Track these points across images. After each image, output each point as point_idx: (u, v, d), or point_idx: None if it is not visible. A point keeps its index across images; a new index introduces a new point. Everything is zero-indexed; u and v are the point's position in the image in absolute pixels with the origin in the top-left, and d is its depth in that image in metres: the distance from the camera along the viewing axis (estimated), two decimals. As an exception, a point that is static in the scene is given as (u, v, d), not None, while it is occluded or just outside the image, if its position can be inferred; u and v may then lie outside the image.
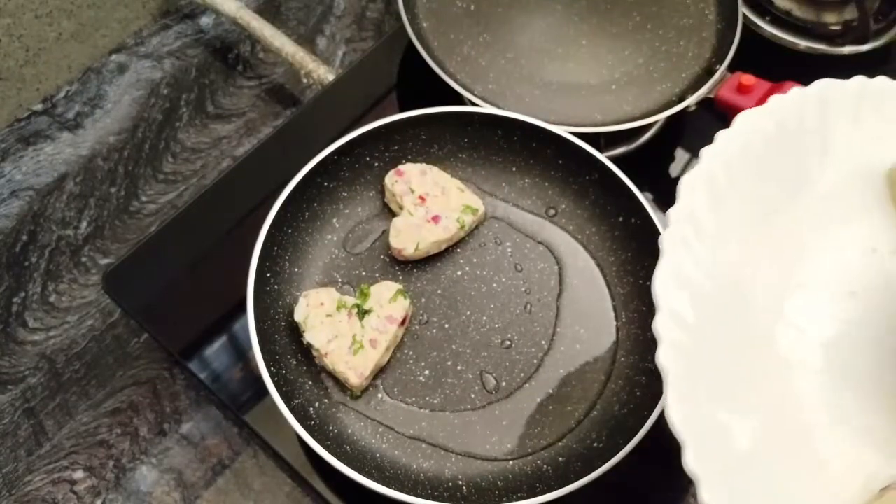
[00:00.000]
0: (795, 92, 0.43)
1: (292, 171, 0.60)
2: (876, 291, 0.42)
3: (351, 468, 0.51)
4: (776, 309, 0.41)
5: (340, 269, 0.62)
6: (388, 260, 0.63)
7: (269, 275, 0.58)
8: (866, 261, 0.43)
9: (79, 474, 0.59)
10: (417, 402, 0.58)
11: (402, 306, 0.58)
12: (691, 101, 0.67)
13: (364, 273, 0.62)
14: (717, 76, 0.67)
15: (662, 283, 0.38)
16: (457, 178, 0.64)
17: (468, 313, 0.61)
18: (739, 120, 0.42)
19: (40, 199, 0.70)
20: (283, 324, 0.58)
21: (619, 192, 0.62)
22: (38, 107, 0.75)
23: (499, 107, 0.66)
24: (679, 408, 0.35)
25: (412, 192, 0.62)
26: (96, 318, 0.65)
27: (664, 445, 0.57)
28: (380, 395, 0.58)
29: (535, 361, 0.60)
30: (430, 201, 0.62)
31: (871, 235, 0.43)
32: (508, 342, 0.60)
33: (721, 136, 0.42)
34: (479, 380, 0.59)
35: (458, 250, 0.64)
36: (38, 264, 0.67)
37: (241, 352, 0.61)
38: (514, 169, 0.66)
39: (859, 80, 0.45)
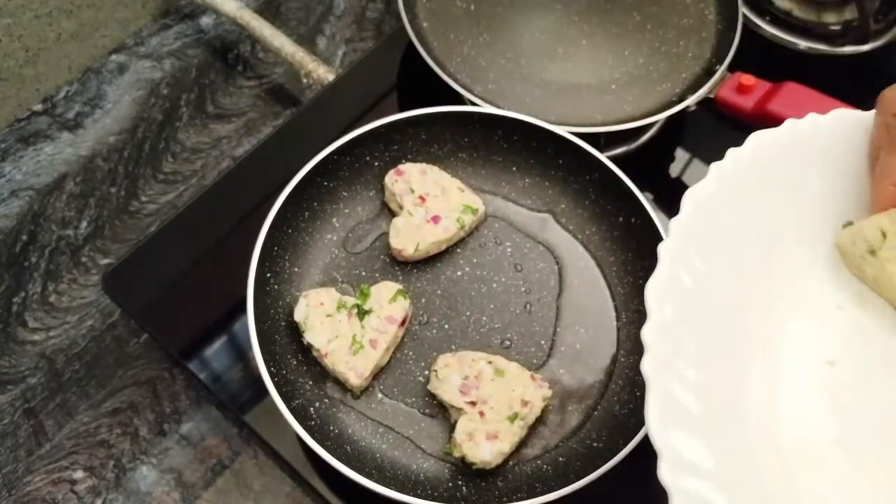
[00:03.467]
0: (810, 119, 0.42)
1: (292, 171, 0.60)
2: (850, 357, 0.40)
3: (351, 468, 0.51)
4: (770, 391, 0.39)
5: (340, 269, 0.62)
6: (388, 260, 0.63)
7: (269, 275, 0.58)
8: (835, 321, 0.41)
9: (79, 474, 0.59)
10: (417, 402, 0.58)
11: (402, 306, 0.58)
12: (691, 101, 0.67)
13: (364, 273, 0.62)
14: (717, 76, 0.67)
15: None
16: (457, 177, 0.64)
17: (468, 313, 0.61)
18: (751, 139, 0.41)
19: (40, 199, 0.70)
20: (283, 324, 0.58)
21: (619, 192, 0.62)
22: (38, 107, 0.75)
23: (499, 107, 0.66)
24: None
25: (412, 191, 0.62)
26: (96, 318, 0.65)
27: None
28: (380, 396, 0.58)
29: (535, 361, 0.60)
30: (430, 201, 0.62)
31: (836, 291, 0.42)
32: (508, 342, 0.60)
33: (731, 153, 0.41)
34: (479, 380, 0.59)
35: (458, 250, 0.64)
36: (38, 264, 0.67)
37: (241, 352, 0.61)
38: (514, 169, 0.66)
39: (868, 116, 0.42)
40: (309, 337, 0.56)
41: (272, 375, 0.53)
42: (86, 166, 0.72)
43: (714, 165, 0.41)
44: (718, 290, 0.39)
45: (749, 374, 0.39)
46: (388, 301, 0.58)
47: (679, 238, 0.39)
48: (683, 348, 0.37)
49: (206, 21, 0.81)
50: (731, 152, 0.41)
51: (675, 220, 0.39)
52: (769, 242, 0.42)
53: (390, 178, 0.63)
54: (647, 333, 0.36)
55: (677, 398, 0.36)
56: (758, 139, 0.42)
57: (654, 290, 0.37)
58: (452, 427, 0.55)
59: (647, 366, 0.35)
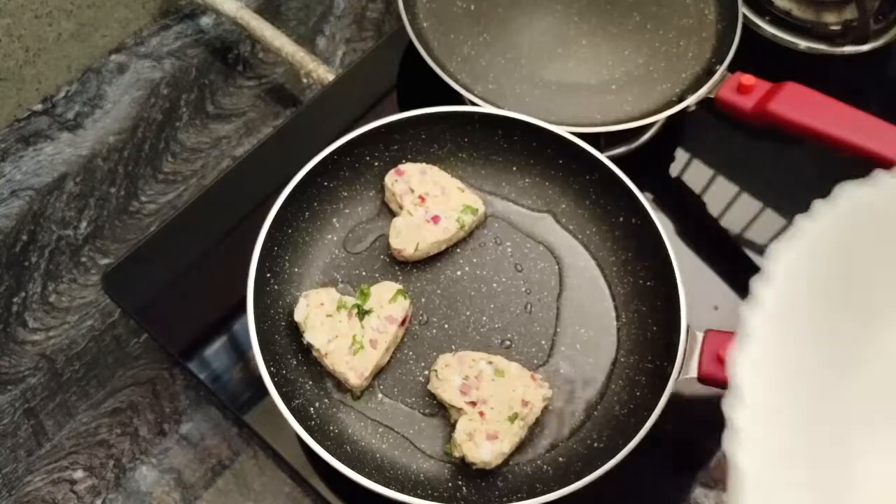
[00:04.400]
0: None
1: (292, 171, 0.60)
2: None
3: (351, 468, 0.51)
4: None
5: (340, 269, 0.62)
6: (388, 260, 0.63)
7: (269, 275, 0.58)
8: None
9: (79, 474, 0.59)
10: (417, 402, 0.58)
11: (402, 306, 0.58)
12: (691, 101, 0.67)
13: (364, 273, 0.62)
14: (717, 76, 0.67)
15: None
16: (457, 177, 0.64)
17: (468, 313, 0.61)
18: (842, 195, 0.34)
19: (40, 199, 0.70)
20: (283, 324, 0.58)
21: (619, 192, 0.62)
22: (38, 107, 0.75)
23: (499, 107, 0.66)
24: None
25: (412, 191, 0.62)
26: (96, 318, 0.65)
27: (664, 446, 0.57)
28: (380, 396, 0.58)
29: (535, 362, 0.60)
30: (429, 201, 0.62)
31: None
32: (508, 342, 0.60)
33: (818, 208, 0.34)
34: (479, 380, 0.59)
35: (458, 250, 0.64)
36: (38, 264, 0.67)
37: (241, 352, 0.61)
38: (514, 169, 0.66)
39: None
40: (309, 337, 0.56)
41: (272, 375, 0.53)
42: (86, 166, 0.72)
43: (805, 222, 0.34)
44: (812, 365, 0.34)
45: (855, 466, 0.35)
46: (388, 301, 0.58)
47: (772, 310, 0.33)
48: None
49: (206, 21, 0.81)
50: (818, 207, 0.33)
51: (763, 285, 0.33)
52: (870, 309, 0.36)
53: (390, 178, 0.63)
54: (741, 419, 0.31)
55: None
56: (851, 197, 0.34)
57: (745, 367, 0.31)
58: (452, 427, 0.55)
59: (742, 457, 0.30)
